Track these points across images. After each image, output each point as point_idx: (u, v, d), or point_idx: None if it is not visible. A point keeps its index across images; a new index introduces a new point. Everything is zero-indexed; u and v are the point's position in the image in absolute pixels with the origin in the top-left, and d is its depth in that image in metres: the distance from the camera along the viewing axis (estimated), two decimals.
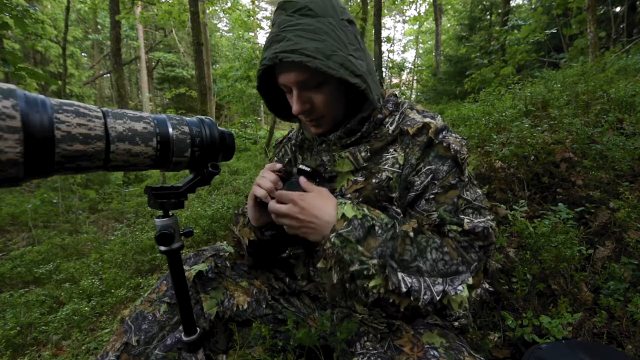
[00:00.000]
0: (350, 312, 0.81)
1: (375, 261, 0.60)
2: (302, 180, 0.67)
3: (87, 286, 2.08)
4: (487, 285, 0.69)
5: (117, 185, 6.75)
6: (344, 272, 0.62)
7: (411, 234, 0.63)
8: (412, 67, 19.08)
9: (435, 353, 0.60)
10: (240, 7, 9.91)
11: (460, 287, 0.62)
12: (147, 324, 0.78)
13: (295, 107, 0.70)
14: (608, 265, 1.19)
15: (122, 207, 4.96)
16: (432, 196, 0.69)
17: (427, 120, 0.73)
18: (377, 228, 0.63)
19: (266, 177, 0.72)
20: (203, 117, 0.61)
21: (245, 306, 0.85)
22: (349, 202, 0.65)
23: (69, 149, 0.41)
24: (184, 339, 0.64)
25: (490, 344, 1.01)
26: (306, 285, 0.90)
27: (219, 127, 0.62)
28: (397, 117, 0.77)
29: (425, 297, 0.60)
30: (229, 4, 9.79)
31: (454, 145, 0.71)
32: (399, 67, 16.33)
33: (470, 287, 0.63)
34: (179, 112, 8.64)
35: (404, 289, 0.60)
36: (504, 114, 2.66)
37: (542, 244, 1.22)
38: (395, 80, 17.62)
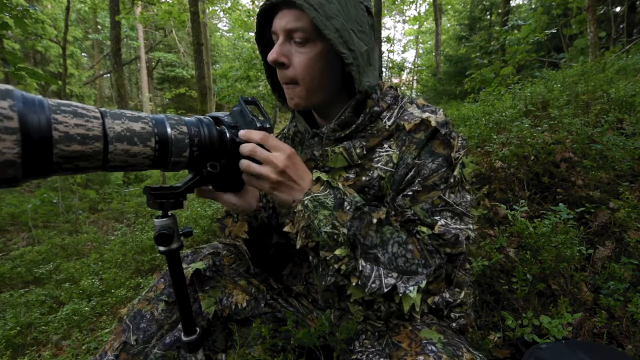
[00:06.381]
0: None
1: (345, 230, 0.60)
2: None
3: (87, 286, 2.08)
4: (447, 295, 0.65)
5: (117, 185, 6.75)
6: (309, 240, 0.61)
7: (374, 221, 0.62)
8: (412, 67, 19.09)
9: (434, 348, 0.59)
10: (240, 7, 9.93)
11: (411, 288, 0.61)
12: (146, 323, 0.77)
13: (271, 54, 0.66)
14: (608, 265, 1.19)
15: (122, 207, 4.96)
16: (410, 193, 0.67)
17: (426, 115, 0.69)
18: (346, 204, 0.62)
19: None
20: (202, 116, 0.61)
21: (244, 304, 0.84)
22: (325, 174, 0.65)
23: (66, 150, 0.41)
24: (184, 339, 0.64)
25: (490, 344, 1.01)
26: (302, 288, 0.90)
27: (218, 127, 0.61)
28: (396, 111, 0.73)
29: (373, 285, 0.60)
30: (229, 4, 9.81)
31: (459, 141, 0.68)
32: (399, 67, 16.31)
33: (426, 292, 0.63)
34: (178, 112, 8.62)
35: (365, 273, 0.60)
36: (504, 114, 2.66)
37: (542, 244, 1.22)
38: (395, 80, 17.62)
